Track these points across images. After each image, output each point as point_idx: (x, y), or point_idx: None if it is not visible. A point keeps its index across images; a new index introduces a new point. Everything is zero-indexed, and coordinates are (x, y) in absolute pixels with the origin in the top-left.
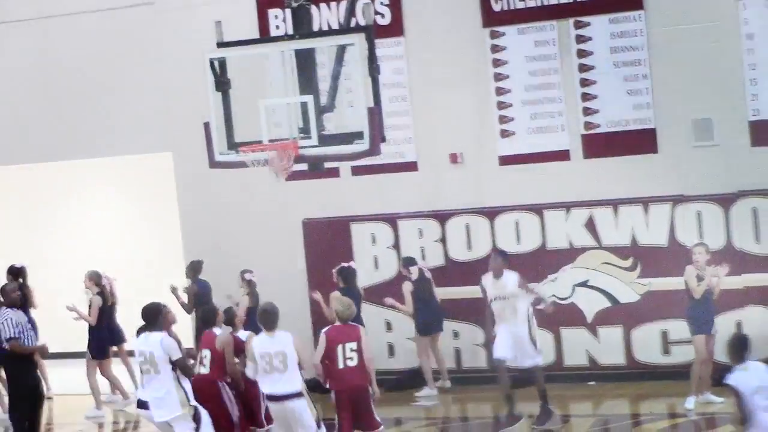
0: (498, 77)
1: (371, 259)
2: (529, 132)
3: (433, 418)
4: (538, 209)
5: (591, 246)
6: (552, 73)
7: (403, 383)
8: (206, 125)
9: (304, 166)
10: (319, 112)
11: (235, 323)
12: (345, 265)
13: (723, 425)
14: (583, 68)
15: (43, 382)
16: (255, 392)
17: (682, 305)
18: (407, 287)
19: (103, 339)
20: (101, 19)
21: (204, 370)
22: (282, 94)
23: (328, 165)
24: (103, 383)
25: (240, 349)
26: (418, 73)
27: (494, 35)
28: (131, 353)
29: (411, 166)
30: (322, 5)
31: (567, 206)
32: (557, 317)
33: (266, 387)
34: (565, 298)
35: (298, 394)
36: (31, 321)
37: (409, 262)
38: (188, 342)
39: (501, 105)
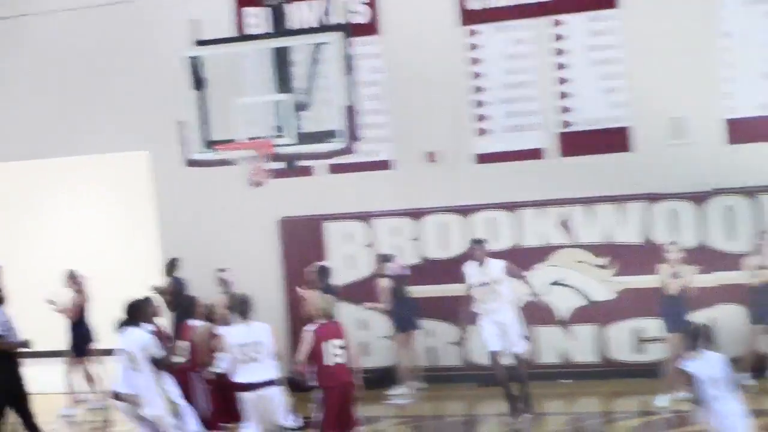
0: (475, 75)
1: (346, 257)
2: (506, 130)
3: (406, 416)
4: (513, 207)
5: (566, 244)
6: (528, 71)
7: (377, 381)
8: (182, 124)
9: (280, 165)
10: (296, 110)
11: (215, 319)
12: (322, 263)
13: (696, 423)
14: (559, 66)
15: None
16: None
17: (655, 303)
18: (385, 283)
19: (83, 337)
20: (78, 17)
21: (178, 360)
22: (258, 93)
23: (304, 163)
24: (77, 382)
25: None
26: (394, 72)
27: (471, 33)
28: (106, 351)
29: (387, 165)
30: (299, 4)
31: (542, 204)
32: (532, 315)
33: (243, 377)
34: (536, 297)
35: (274, 382)
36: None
37: (386, 258)
38: None
39: (477, 103)
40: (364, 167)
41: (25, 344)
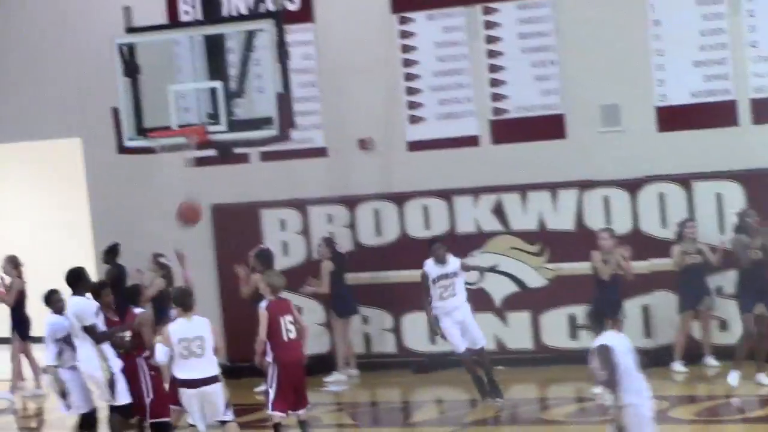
0: (407, 63)
1: (280, 244)
2: (438, 118)
3: (342, 403)
4: (447, 194)
5: (499, 231)
6: (461, 59)
7: (312, 368)
8: (115, 111)
9: (213, 152)
10: (229, 97)
11: (140, 300)
12: (262, 247)
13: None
14: (491, 54)
15: None
16: None
17: (590, 290)
18: (327, 266)
19: (27, 321)
20: (10, 3)
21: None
22: (191, 80)
23: (237, 151)
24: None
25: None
26: (327, 59)
27: (403, 21)
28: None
29: (320, 152)
30: None
31: (476, 192)
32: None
33: (183, 373)
34: (474, 283)
35: (215, 378)
36: None
37: (328, 242)
38: None
39: (410, 91)
40: (297, 154)
41: None
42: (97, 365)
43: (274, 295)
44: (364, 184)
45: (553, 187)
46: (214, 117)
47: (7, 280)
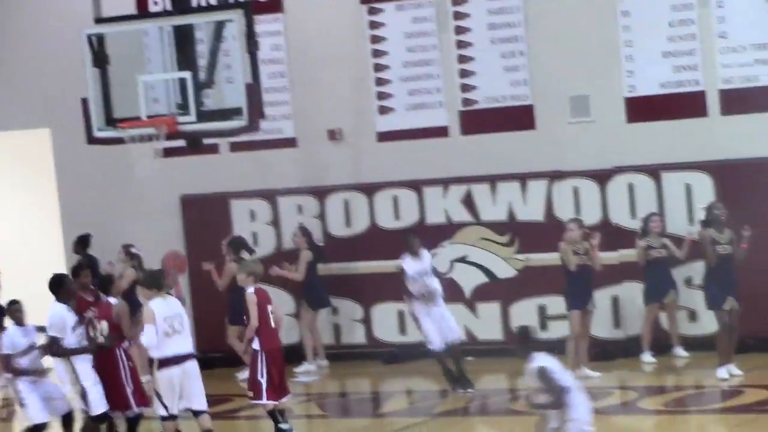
0: (376, 54)
1: (250, 235)
2: (408, 108)
3: (311, 393)
4: (416, 185)
5: (469, 222)
6: (430, 49)
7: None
8: (84, 101)
9: (182, 143)
10: (198, 88)
11: (111, 290)
12: (235, 235)
13: (600, 399)
14: (461, 45)
15: None
16: None
17: (560, 281)
18: (306, 256)
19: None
20: None
21: (101, 340)
22: (160, 70)
23: (206, 141)
24: None
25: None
26: (296, 50)
27: (372, 12)
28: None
29: (290, 143)
30: None
31: (445, 182)
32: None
33: (169, 349)
34: (444, 274)
35: (195, 356)
36: None
37: (304, 231)
38: None
39: (379, 81)
40: (267, 145)
41: None
42: (65, 378)
43: (255, 282)
44: (333, 174)
45: (522, 178)
46: (183, 107)
47: None
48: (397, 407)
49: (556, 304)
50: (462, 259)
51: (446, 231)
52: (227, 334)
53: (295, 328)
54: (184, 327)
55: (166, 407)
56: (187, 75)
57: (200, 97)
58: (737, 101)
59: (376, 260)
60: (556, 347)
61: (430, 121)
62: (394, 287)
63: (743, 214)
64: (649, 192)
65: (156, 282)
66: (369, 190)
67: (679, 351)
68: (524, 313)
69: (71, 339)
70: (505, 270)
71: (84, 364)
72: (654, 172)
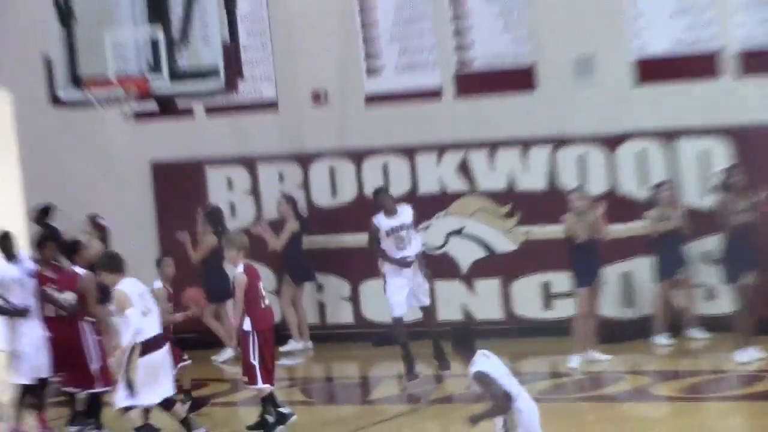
0: (364, 10)
1: (227, 205)
2: (398, 69)
3: (295, 378)
4: (408, 152)
5: (465, 191)
6: (422, 5)
7: None
8: (48, 60)
9: (154, 105)
10: (171, 46)
11: (77, 258)
12: (212, 206)
13: (610, 385)
14: (456, 0)
15: None
16: None
17: (565, 255)
18: (292, 227)
19: None
20: None
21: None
22: (130, 27)
23: (180, 104)
24: None
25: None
26: (278, 5)
27: None
28: None
29: (270, 106)
30: None
31: (440, 148)
32: (430, 269)
33: (148, 331)
34: (439, 248)
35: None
36: None
37: (289, 199)
38: None
39: (367, 40)
40: (246, 108)
41: None
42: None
43: (243, 257)
44: (318, 140)
45: (523, 144)
46: (155, 67)
47: None
48: (388, 393)
49: (561, 280)
50: (458, 232)
51: (441, 201)
52: (203, 313)
53: (277, 307)
54: (153, 305)
55: (134, 396)
56: (158, 32)
57: (173, 56)
58: (755, 61)
59: (364, 232)
60: (562, 328)
61: (423, 83)
62: None
63: (763, 182)
64: (660, 159)
65: (119, 264)
66: (356, 157)
67: (696, 332)
68: (526, 290)
69: (21, 298)
70: (505, 244)
71: (32, 328)
72: (666, 137)
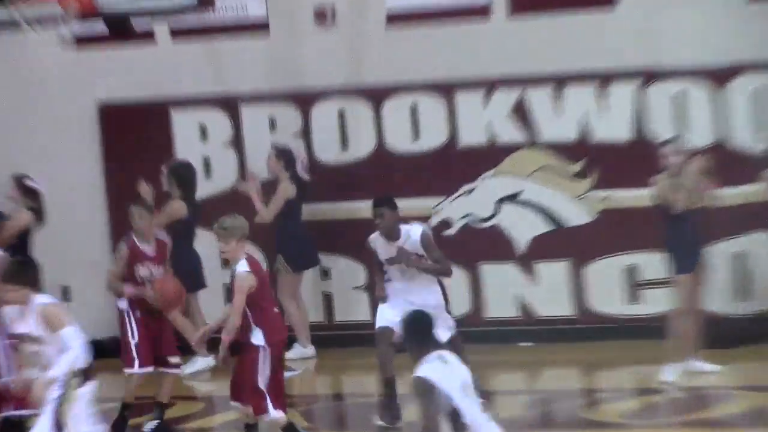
0: None
1: (200, 160)
2: None
3: (293, 396)
4: (444, 89)
5: (522, 143)
6: None
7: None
8: None
9: (103, 27)
10: None
11: None
12: (180, 161)
13: (719, 405)
14: None
15: None
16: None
17: (656, 230)
18: (287, 190)
19: None
20: None
21: None
22: None
23: (136, 25)
24: None
25: None
26: None
27: None
28: None
29: (259, 28)
30: None
31: (487, 85)
32: (474, 249)
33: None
34: (486, 219)
35: None
36: None
37: (282, 153)
38: None
39: None
40: (225, 31)
41: None
42: None
43: (243, 245)
44: (322, 73)
45: (601, 78)
46: None
47: None
48: (414, 417)
49: (651, 264)
50: (512, 199)
51: (488, 156)
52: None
53: None
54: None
55: None
56: None
57: None
58: None
59: None
60: (652, 329)
61: None
62: None
63: None
64: None
65: (33, 276)
66: (375, 96)
67: None
68: (605, 277)
69: None
70: (576, 214)
71: None
72: None
